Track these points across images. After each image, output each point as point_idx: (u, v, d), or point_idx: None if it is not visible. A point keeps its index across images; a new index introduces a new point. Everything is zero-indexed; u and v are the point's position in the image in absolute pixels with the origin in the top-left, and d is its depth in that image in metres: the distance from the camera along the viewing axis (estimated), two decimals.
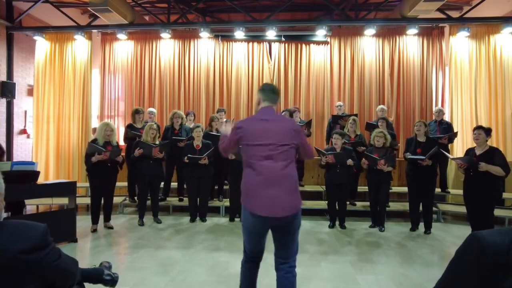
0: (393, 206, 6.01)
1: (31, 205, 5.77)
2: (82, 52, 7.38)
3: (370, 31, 6.91)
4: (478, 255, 0.97)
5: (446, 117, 6.71)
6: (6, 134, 6.90)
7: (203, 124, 7.02)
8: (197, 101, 7.81)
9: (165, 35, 7.10)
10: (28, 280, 1.20)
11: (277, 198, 2.17)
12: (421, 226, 5.09)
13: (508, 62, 6.73)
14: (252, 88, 7.70)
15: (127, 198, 6.31)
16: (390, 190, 5.75)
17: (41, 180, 5.22)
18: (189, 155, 5.26)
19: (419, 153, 4.89)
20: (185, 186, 6.06)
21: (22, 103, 7.34)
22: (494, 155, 4.00)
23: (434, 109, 6.81)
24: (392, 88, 7.51)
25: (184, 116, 6.23)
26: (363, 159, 5.04)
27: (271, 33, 6.81)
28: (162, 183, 5.96)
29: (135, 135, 5.70)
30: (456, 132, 6.16)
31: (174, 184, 6.42)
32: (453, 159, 4.57)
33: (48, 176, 7.21)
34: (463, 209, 4.84)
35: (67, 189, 4.56)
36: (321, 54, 7.70)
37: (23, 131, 7.37)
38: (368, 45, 7.58)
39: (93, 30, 7.39)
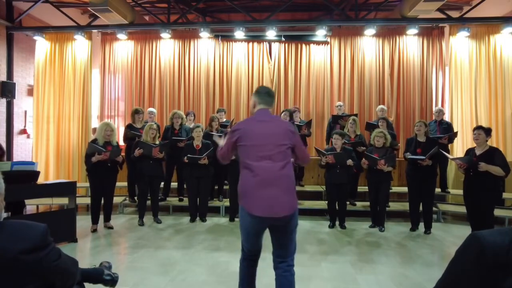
0: (393, 206, 6.01)
1: (31, 205, 5.77)
2: (82, 52, 7.38)
3: (370, 31, 6.91)
4: (478, 255, 0.97)
5: (446, 117, 6.71)
6: (6, 134, 6.91)
7: (203, 124, 7.02)
8: (197, 101, 7.81)
9: (165, 35, 7.10)
10: (28, 280, 1.20)
11: (275, 198, 2.20)
12: (421, 226, 5.09)
13: (508, 62, 6.73)
14: (252, 88, 7.69)
15: (127, 198, 6.31)
16: (390, 190, 5.75)
17: (41, 180, 5.22)
18: (188, 155, 5.25)
19: (419, 153, 4.89)
20: (185, 186, 6.06)
21: (22, 103, 7.34)
22: (494, 155, 4.00)
23: (434, 109, 6.82)
24: (392, 88, 7.51)
25: (184, 116, 6.23)
26: (363, 159, 5.04)
27: (271, 33, 6.81)
28: (162, 183, 5.97)
29: (135, 135, 5.70)
30: (456, 132, 6.16)
31: (174, 184, 6.42)
32: (452, 159, 4.57)
33: (48, 176, 7.21)
34: (463, 209, 4.84)
35: (67, 189, 4.56)
36: (321, 54, 7.70)
37: (23, 131, 7.37)
38: (368, 45, 7.58)
39: (93, 30, 7.39)
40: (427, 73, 7.38)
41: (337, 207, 5.27)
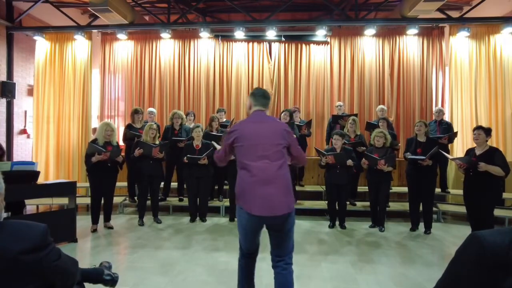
0: (393, 206, 6.00)
1: (31, 205, 5.77)
2: (82, 52, 7.38)
3: (370, 31, 6.91)
4: (478, 255, 0.97)
5: (446, 117, 6.71)
6: (6, 134, 6.91)
7: (203, 124, 7.02)
8: (197, 101, 7.82)
9: (165, 35, 7.10)
10: (28, 280, 1.20)
11: (273, 197, 2.23)
12: (421, 226, 5.09)
13: (508, 62, 6.73)
14: (252, 88, 7.67)
15: (127, 198, 6.31)
16: (390, 190, 5.74)
17: (41, 180, 5.22)
18: (188, 155, 5.25)
19: (419, 153, 4.89)
20: (185, 186, 6.06)
21: (22, 103, 7.34)
22: (494, 155, 3.99)
23: (434, 109, 6.82)
24: (392, 88, 7.51)
25: (184, 116, 6.23)
26: (363, 159, 5.04)
27: (271, 33, 6.81)
28: (162, 183, 5.97)
29: (134, 135, 5.70)
30: (456, 132, 6.16)
31: (174, 184, 6.41)
32: (452, 159, 4.56)
33: (48, 176, 7.21)
34: (463, 209, 4.84)
35: (67, 189, 4.56)
36: (321, 54, 7.70)
37: (23, 131, 7.37)
38: (368, 45, 7.58)
39: (93, 30, 7.39)
40: (427, 73, 7.39)
41: (337, 207, 5.27)
